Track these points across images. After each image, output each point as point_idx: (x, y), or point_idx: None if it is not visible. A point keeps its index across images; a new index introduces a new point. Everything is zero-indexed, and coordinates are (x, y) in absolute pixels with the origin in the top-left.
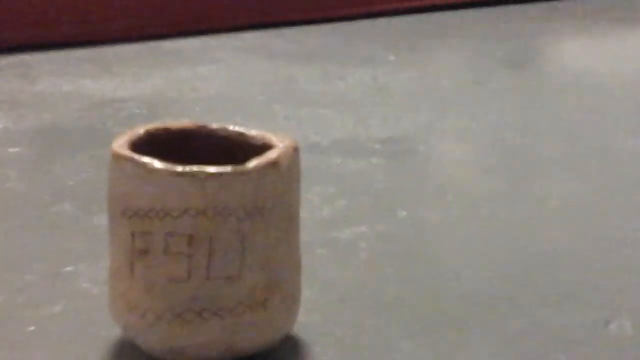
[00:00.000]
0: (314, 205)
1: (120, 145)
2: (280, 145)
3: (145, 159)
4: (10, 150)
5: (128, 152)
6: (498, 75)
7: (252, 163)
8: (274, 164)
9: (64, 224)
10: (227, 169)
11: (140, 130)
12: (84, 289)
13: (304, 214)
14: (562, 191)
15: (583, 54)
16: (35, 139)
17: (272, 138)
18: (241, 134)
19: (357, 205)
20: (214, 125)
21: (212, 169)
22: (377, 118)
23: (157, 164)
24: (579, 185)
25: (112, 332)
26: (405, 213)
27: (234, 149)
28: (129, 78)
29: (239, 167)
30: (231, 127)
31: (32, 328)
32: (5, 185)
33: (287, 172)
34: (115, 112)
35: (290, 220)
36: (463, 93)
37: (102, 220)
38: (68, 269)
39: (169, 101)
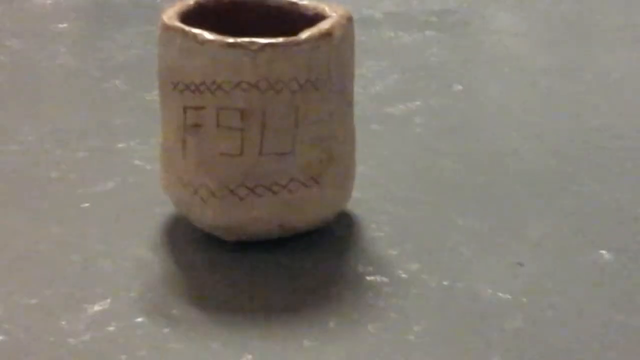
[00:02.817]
0: (367, 80)
1: (170, 16)
2: (333, 15)
3: (196, 30)
4: (60, 25)
5: (178, 24)
6: None
7: (305, 34)
8: (327, 34)
9: (115, 100)
10: (279, 40)
11: (190, 0)
12: (136, 165)
13: (357, 89)
14: (624, 64)
15: None
16: (84, 14)
17: (325, 8)
18: (293, 4)
19: (411, 80)
20: None
21: (263, 40)
22: None
23: (207, 35)
24: None
25: (165, 208)
26: (460, 87)
27: (286, 19)
28: None
29: (292, 38)
30: None
31: (86, 205)
32: (55, 62)
33: (340, 43)
34: None
35: (344, 93)
36: None
37: (153, 96)
38: (120, 145)
39: None
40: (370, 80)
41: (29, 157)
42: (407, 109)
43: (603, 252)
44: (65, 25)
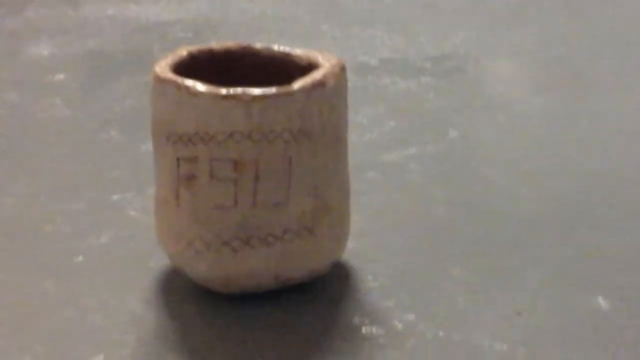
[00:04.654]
0: (363, 127)
1: (163, 68)
2: (326, 65)
3: (188, 82)
4: (56, 77)
5: (171, 75)
6: None
7: (298, 84)
8: (320, 84)
9: (111, 152)
10: (272, 90)
11: (183, 52)
12: (131, 217)
13: (353, 136)
14: (620, 108)
15: None
16: (81, 65)
17: (317, 57)
18: (286, 54)
19: (406, 127)
20: (258, 46)
21: (256, 90)
22: (426, 36)
23: (200, 86)
24: (637, 101)
25: (160, 261)
26: (456, 133)
27: (279, 70)
28: (174, 1)
29: (284, 88)
30: (276, 47)
31: (80, 258)
32: (51, 113)
33: (333, 92)
34: (161, 37)
35: (338, 143)
36: (513, 8)
37: (148, 147)
38: (115, 197)
39: (214, 24)
40: (366, 128)
41: (23, 210)
42: (402, 156)
43: (602, 299)
44: (61, 76)
